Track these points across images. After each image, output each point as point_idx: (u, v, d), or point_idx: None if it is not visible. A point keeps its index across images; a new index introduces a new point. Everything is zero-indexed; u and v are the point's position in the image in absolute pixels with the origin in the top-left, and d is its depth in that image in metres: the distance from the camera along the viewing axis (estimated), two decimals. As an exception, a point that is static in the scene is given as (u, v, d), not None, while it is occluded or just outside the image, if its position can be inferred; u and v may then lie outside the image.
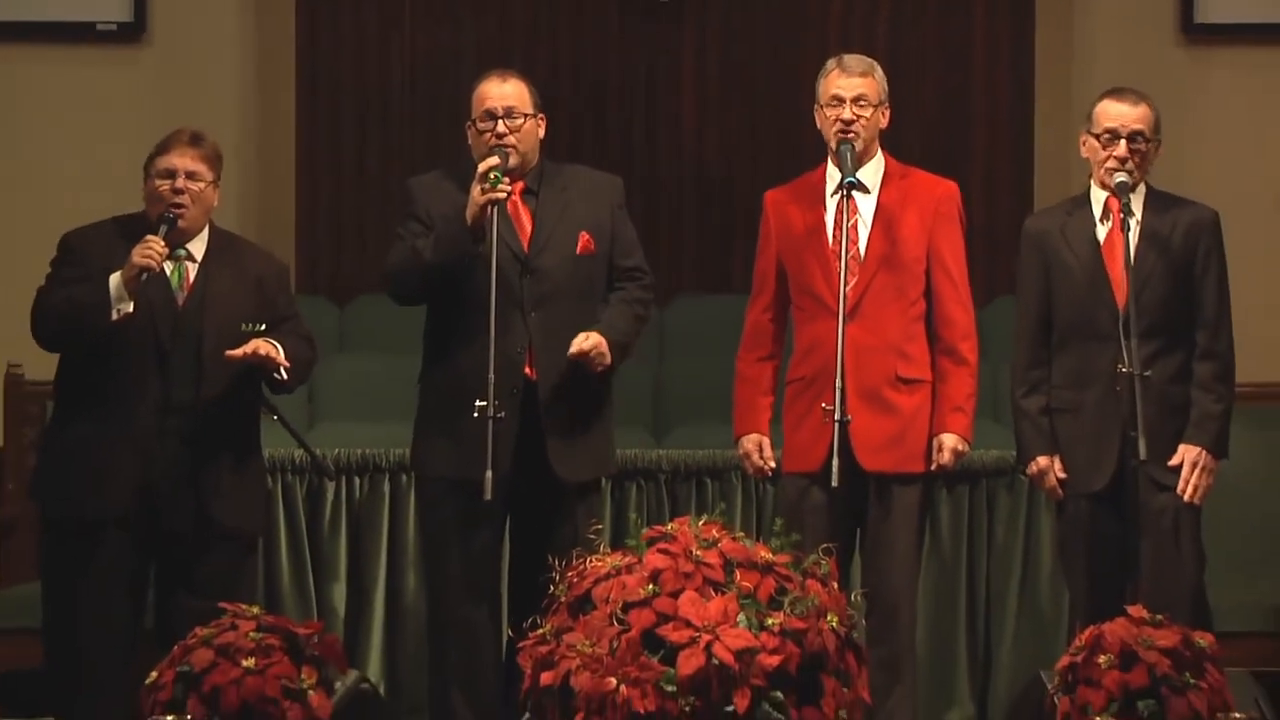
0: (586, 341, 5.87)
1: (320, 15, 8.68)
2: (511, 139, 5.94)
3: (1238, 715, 4.85)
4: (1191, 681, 4.91)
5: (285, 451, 6.72)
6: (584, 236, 6.04)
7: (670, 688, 4.93)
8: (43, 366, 6.06)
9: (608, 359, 5.92)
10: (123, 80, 8.32)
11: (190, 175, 5.83)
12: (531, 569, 5.75)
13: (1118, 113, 6.00)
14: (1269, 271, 7.91)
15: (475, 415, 5.71)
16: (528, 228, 6.00)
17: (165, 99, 8.09)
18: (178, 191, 5.82)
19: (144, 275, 5.69)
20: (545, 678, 5.09)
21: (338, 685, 5.22)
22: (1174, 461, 5.91)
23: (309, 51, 8.69)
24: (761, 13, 8.66)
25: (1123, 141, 5.95)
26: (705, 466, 6.93)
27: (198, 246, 5.90)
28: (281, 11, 8.63)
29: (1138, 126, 5.97)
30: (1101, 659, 4.95)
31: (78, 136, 8.18)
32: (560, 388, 5.95)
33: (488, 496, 5.69)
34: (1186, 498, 5.91)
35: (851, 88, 6.04)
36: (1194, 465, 5.91)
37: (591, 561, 5.19)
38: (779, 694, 4.98)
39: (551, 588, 5.20)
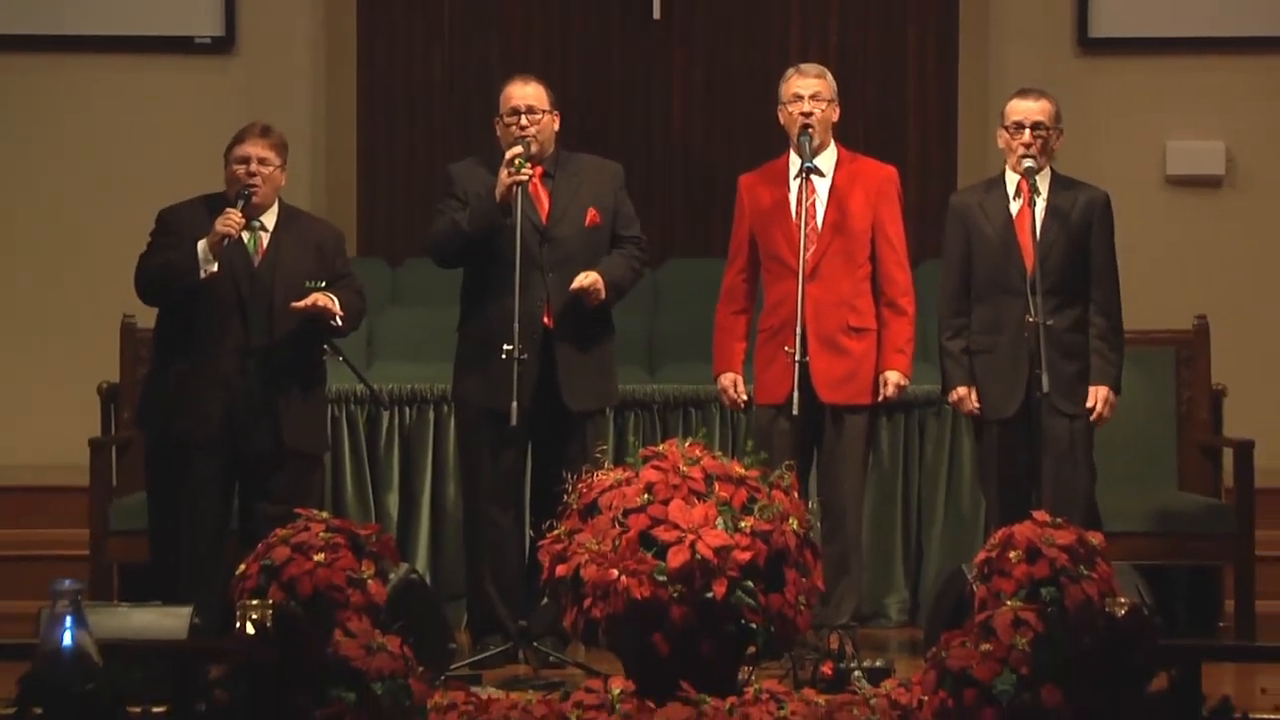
0: (586, 279, 5.88)
1: (377, 30, 8.66)
2: (532, 130, 5.94)
3: (1122, 599, 4.83)
4: (1085, 573, 4.91)
5: (349, 386, 6.69)
6: (592, 212, 6.03)
7: (662, 578, 4.93)
8: (152, 316, 6.02)
9: (603, 294, 5.93)
10: (215, 84, 8.28)
11: (261, 161, 5.79)
12: (549, 482, 5.75)
13: (1022, 108, 5.98)
14: (1151, 239, 7.88)
15: (503, 357, 5.70)
16: (546, 205, 5.99)
17: (250, 99, 8.04)
18: (251, 175, 5.78)
19: (225, 241, 5.67)
20: (560, 569, 5.09)
21: (391, 575, 5.21)
22: (1090, 403, 5.91)
23: (368, 59, 8.66)
24: (736, 29, 8.64)
25: (1026, 130, 5.93)
26: (691, 398, 6.90)
27: (269, 219, 5.86)
28: (345, 27, 8.62)
29: (1038, 118, 5.95)
30: (1012, 554, 4.94)
31: (177, 131, 8.14)
32: (572, 334, 5.94)
33: (514, 423, 5.69)
34: (1094, 419, 5.91)
35: (808, 87, 6.04)
36: (1104, 400, 5.92)
37: (598, 476, 5.19)
38: (750, 583, 4.98)
39: (565, 497, 5.21)
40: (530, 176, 5.87)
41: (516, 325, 5.72)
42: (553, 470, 5.79)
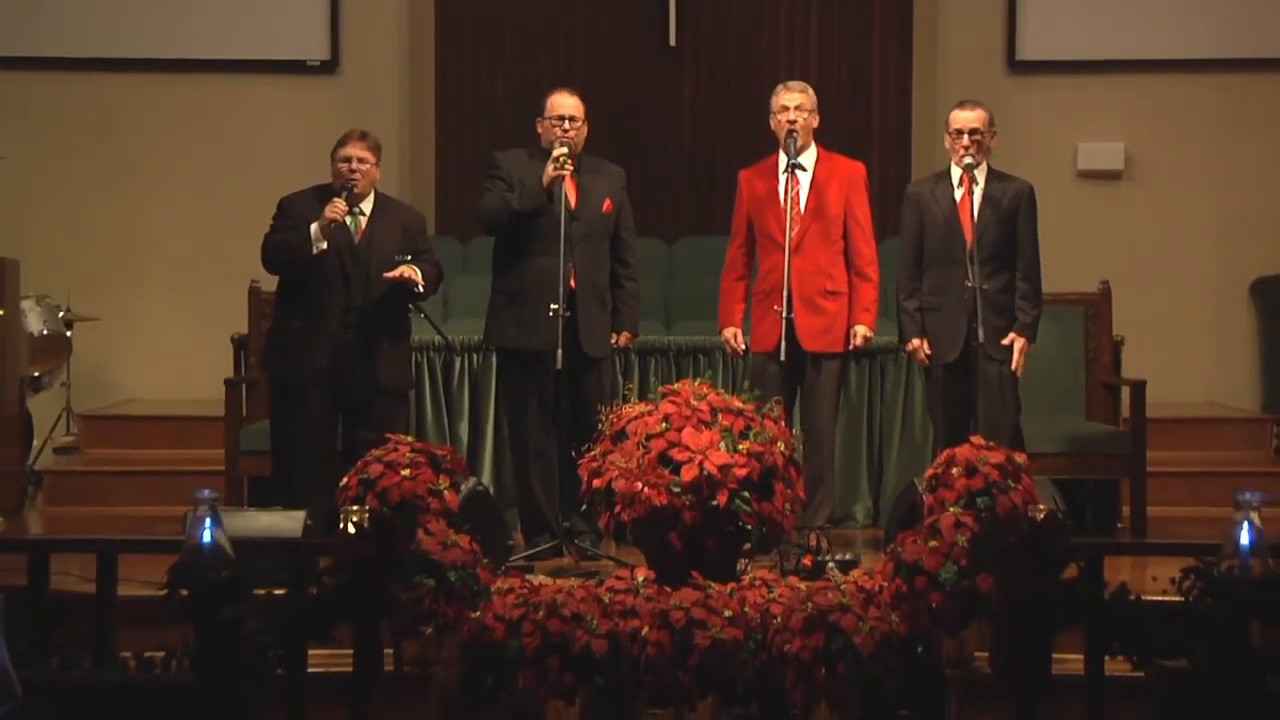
0: (622, 340, 6.04)
1: (451, 54, 8.64)
2: (572, 134, 5.93)
3: (1042, 506, 4.81)
4: (1012, 485, 4.88)
5: (429, 338, 6.67)
6: (607, 202, 6.05)
7: (676, 489, 4.92)
8: (273, 282, 6.01)
9: (636, 334, 6.11)
10: (323, 98, 8.25)
11: (360, 160, 5.79)
12: (574, 410, 5.75)
13: (962, 117, 5.94)
14: (1066, 220, 7.84)
15: (550, 315, 5.69)
16: (574, 194, 5.96)
17: (351, 111, 7.98)
18: (352, 171, 5.78)
19: (332, 224, 5.69)
20: (596, 483, 5.09)
21: (463, 487, 5.21)
22: (1006, 342, 5.89)
23: (444, 77, 8.64)
24: (735, 54, 8.60)
25: (965, 135, 5.90)
26: (699, 347, 6.88)
27: (366, 206, 5.86)
28: (426, 52, 8.60)
29: (974, 125, 5.90)
30: (954, 471, 4.92)
31: (293, 134, 8.12)
32: (591, 295, 5.94)
33: (559, 366, 5.67)
34: (1014, 368, 5.88)
35: (794, 99, 6.01)
36: (1019, 350, 5.90)
37: (625, 409, 5.18)
38: (746, 493, 4.97)
39: (600, 426, 5.20)
40: (569, 171, 5.84)
41: (562, 288, 5.71)
42: (579, 401, 5.80)
